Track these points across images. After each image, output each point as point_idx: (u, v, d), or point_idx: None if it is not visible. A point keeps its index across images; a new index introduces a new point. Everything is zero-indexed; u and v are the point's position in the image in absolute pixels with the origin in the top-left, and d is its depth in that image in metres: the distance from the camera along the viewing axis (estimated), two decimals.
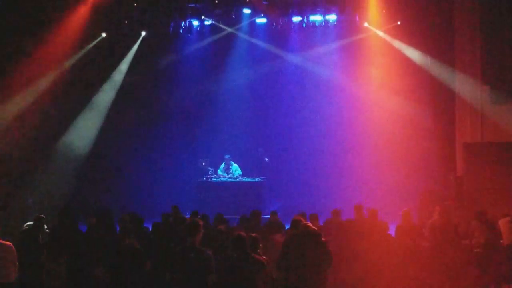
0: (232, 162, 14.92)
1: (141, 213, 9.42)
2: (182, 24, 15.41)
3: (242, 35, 15.99)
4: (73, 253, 8.20)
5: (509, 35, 12.70)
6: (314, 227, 8.27)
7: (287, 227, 8.90)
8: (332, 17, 14.80)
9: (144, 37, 15.91)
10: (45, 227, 8.94)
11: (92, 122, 15.96)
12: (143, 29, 15.67)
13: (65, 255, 8.29)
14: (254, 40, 16.04)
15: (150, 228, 9.21)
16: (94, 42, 15.61)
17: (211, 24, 15.51)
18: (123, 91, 16.17)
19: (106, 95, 16.11)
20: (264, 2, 14.65)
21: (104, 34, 15.66)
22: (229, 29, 15.72)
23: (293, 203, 13.89)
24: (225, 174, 14.80)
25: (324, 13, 14.74)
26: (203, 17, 15.17)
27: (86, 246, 8.23)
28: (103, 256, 7.79)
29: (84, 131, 15.82)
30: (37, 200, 14.10)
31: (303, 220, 8.62)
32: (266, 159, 15.00)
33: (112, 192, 15.33)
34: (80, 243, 8.46)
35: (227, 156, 14.93)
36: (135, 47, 16.04)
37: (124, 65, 16.20)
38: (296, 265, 6.66)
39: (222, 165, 14.94)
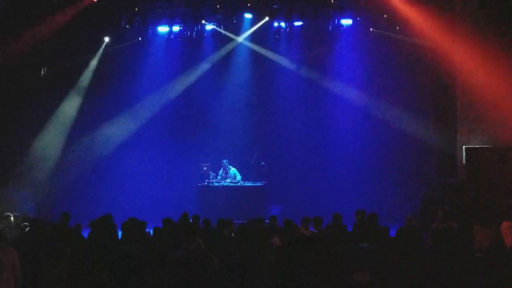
0: (230, 167, 14.92)
1: (143, 218, 9.41)
2: (183, 29, 15.43)
3: (240, 40, 16.00)
4: (74, 259, 8.18)
5: (511, 37, 12.70)
6: (309, 232, 8.31)
7: None
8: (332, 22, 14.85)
9: (143, 42, 15.94)
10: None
11: (93, 126, 16.00)
12: (142, 34, 15.70)
13: (66, 261, 8.29)
14: (252, 44, 16.06)
15: (152, 233, 9.24)
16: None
17: (211, 29, 15.50)
18: (122, 95, 16.20)
19: (107, 100, 16.14)
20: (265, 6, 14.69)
21: (107, 39, 15.69)
22: (229, 34, 15.71)
23: (294, 208, 13.88)
24: (225, 180, 14.77)
25: (325, 18, 14.75)
26: (203, 22, 15.17)
27: (87, 251, 8.21)
28: (105, 262, 7.77)
29: (85, 135, 15.87)
30: (39, 203, 14.14)
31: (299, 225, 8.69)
32: (262, 163, 14.98)
33: (113, 197, 15.30)
34: (82, 248, 8.45)
35: (225, 161, 14.93)
36: (133, 51, 16.11)
37: (124, 70, 16.25)
38: (294, 270, 6.66)
39: (221, 171, 14.92)
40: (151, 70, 16.26)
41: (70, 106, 15.91)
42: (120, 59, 16.17)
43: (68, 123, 15.85)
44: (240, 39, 15.96)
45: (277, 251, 7.53)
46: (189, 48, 16.12)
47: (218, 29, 15.46)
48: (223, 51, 16.27)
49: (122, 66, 16.24)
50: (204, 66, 16.40)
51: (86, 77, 15.97)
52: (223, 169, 14.89)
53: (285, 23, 15.15)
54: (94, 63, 15.98)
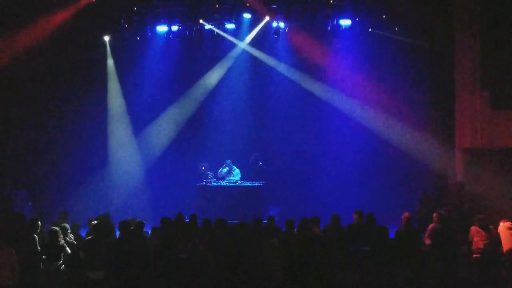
0: (235, 167, 14.91)
1: (141, 217, 9.42)
2: (181, 28, 15.41)
3: (240, 41, 15.99)
4: (72, 257, 8.20)
5: (508, 41, 12.73)
6: (317, 232, 8.36)
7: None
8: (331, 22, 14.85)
9: (142, 41, 15.91)
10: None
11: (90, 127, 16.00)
12: (141, 33, 15.67)
13: (65, 260, 8.30)
14: (251, 45, 16.01)
15: (149, 232, 9.25)
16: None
17: (210, 29, 15.45)
18: (120, 96, 16.20)
19: (105, 100, 16.15)
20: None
21: (106, 38, 15.68)
22: (227, 35, 15.68)
23: (292, 208, 13.88)
24: (228, 178, 14.76)
25: (324, 18, 14.74)
26: (201, 21, 15.13)
27: (85, 250, 8.22)
28: (102, 261, 7.78)
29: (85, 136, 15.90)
30: (37, 203, 14.15)
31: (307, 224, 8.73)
32: (260, 163, 14.98)
33: (111, 196, 15.29)
34: (79, 247, 8.46)
35: (228, 161, 14.92)
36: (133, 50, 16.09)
37: (123, 70, 16.24)
38: (300, 269, 6.68)
39: (221, 169, 14.89)
40: (150, 70, 16.23)
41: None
42: (119, 59, 16.16)
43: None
44: (241, 42, 15.87)
45: (287, 248, 7.54)
46: (188, 48, 16.02)
47: (217, 29, 15.39)
48: (222, 52, 16.23)
49: (121, 67, 16.21)
50: (203, 67, 16.37)
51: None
52: (227, 168, 14.85)
53: (284, 23, 15.13)
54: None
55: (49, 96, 15.54)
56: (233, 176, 14.75)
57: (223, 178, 14.78)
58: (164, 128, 16.33)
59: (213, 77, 16.34)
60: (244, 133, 15.97)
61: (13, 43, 13.93)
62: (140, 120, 16.27)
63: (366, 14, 14.56)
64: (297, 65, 15.94)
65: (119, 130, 16.18)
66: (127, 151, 16.15)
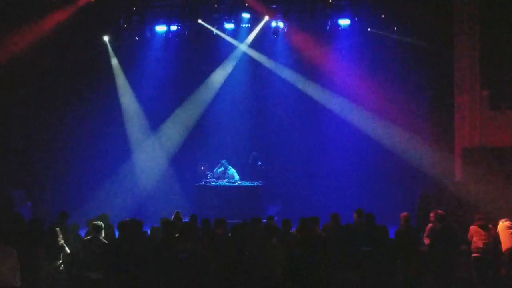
0: (230, 167, 14.93)
1: (140, 217, 9.43)
2: (180, 28, 15.39)
3: (238, 41, 15.97)
4: (71, 258, 8.21)
5: (508, 41, 12.74)
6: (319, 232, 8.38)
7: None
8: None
9: (141, 41, 15.90)
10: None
11: (89, 127, 16.00)
12: (140, 33, 15.65)
13: (64, 260, 8.31)
14: (250, 46, 16.01)
15: (149, 232, 9.26)
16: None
17: (209, 29, 15.44)
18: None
19: (106, 100, 16.14)
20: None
21: (106, 38, 15.67)
22: (227, 35, 15.67)
23: (292, 208, 13.90)
24: (222, 179, 14.76)
25: (323, 18, 14.75)
26: (200, 21, 15.11)
27: (84, 250, 8.23)
28: (102, 261, 7.79)
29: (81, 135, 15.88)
30: (37, 203, 14.15)
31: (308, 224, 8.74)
32: (259, 163, 14.99)
33: (111, 196, 15.29)
34: (79, 247, 8.47)
35: (223, 161, 14.95)
36: (132, 50, 16.09)
37: (122, 69, 16.25)
38: (300, 269, 6.70)
39: (216, 168, 14.90)
40: (150, 70, 16.23)
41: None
42: (119, 59, 16.16)
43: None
44: (240, 42, 15.87)
45: (286, 248, 7.56)
46: (187, 48, 16.05)
47: (216, 29, 15.38)
48: (221, 52, 16.23)
49: (118, 67, 16.23)
50: (203, 67, 16.37)
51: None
52: (223, 168, 14.87)
53: (283, 23, 15.13)
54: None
55: (49, 96, 15.54)
56: (228, 176, 14.76)
57: (218, 178, 14.80)
58: (164, 129, 16.32)
59: (214, 79, 16.34)
60: (243, 133, 15.99)
61: (13, 43, 13.93)
62: (140, 119, 16.28)
63: (365, 13, 14.59)
64: (296, 65, 15.95)
65: (123, 131, 16.19)
66: (129, 152, 16.15)
